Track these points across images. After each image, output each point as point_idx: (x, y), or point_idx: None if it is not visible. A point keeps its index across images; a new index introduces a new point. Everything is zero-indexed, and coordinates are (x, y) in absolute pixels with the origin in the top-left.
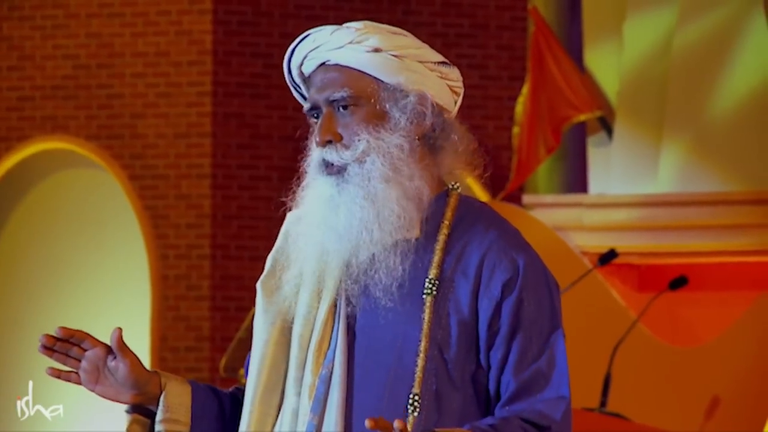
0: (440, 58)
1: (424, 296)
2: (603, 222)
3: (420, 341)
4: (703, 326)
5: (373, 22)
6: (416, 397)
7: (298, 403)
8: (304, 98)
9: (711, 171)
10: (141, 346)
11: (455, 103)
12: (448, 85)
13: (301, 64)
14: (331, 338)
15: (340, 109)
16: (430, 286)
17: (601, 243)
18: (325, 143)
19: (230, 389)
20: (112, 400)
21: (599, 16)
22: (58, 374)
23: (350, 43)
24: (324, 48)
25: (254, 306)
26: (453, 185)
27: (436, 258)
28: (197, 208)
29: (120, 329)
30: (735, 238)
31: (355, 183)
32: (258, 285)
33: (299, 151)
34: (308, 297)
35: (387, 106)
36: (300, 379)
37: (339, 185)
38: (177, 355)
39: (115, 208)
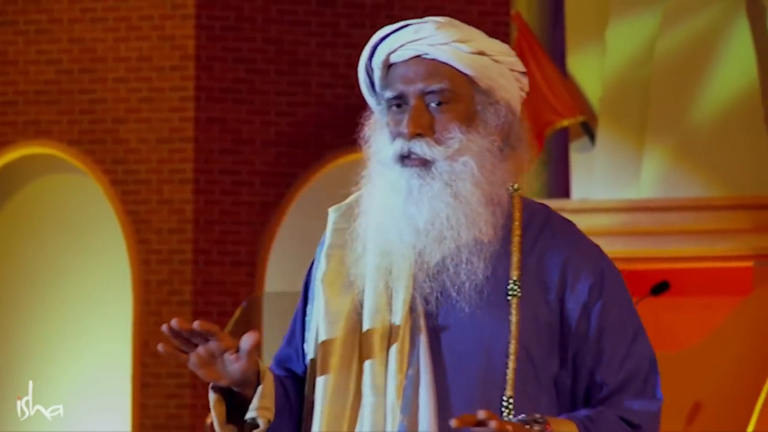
0: (524, 68)
1: (509, 298)
2: (585, 227)
3: (509, 343)
4: (685, 331)
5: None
6: (510, 400)
7: (384, 403)
8: (372, 86)
9: (693, 176)
10: (123, 350)
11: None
12: (520, 95)
13: (393, 51)
14: (412, 338)
15: (432, 104)
16: (515, 287)
17: None
18: (415, 135)
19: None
20: (210, 380)
21: (582, 22)
22: (170, 351)
23: (456, 41)
24: (426, 41)
25: (236, 310)
26: (514, 187)
27: (515, 259)
28: (179, 213)
29: (259, 336)
30: (717, 243)
31: (442, 180)
32: (319, 282)
33: (281, 156)
34: (377, 294)
35: (479, 108)
36: (382, 379)
37: (421, 178)
38: (159, 360)
39: (98, 213)
